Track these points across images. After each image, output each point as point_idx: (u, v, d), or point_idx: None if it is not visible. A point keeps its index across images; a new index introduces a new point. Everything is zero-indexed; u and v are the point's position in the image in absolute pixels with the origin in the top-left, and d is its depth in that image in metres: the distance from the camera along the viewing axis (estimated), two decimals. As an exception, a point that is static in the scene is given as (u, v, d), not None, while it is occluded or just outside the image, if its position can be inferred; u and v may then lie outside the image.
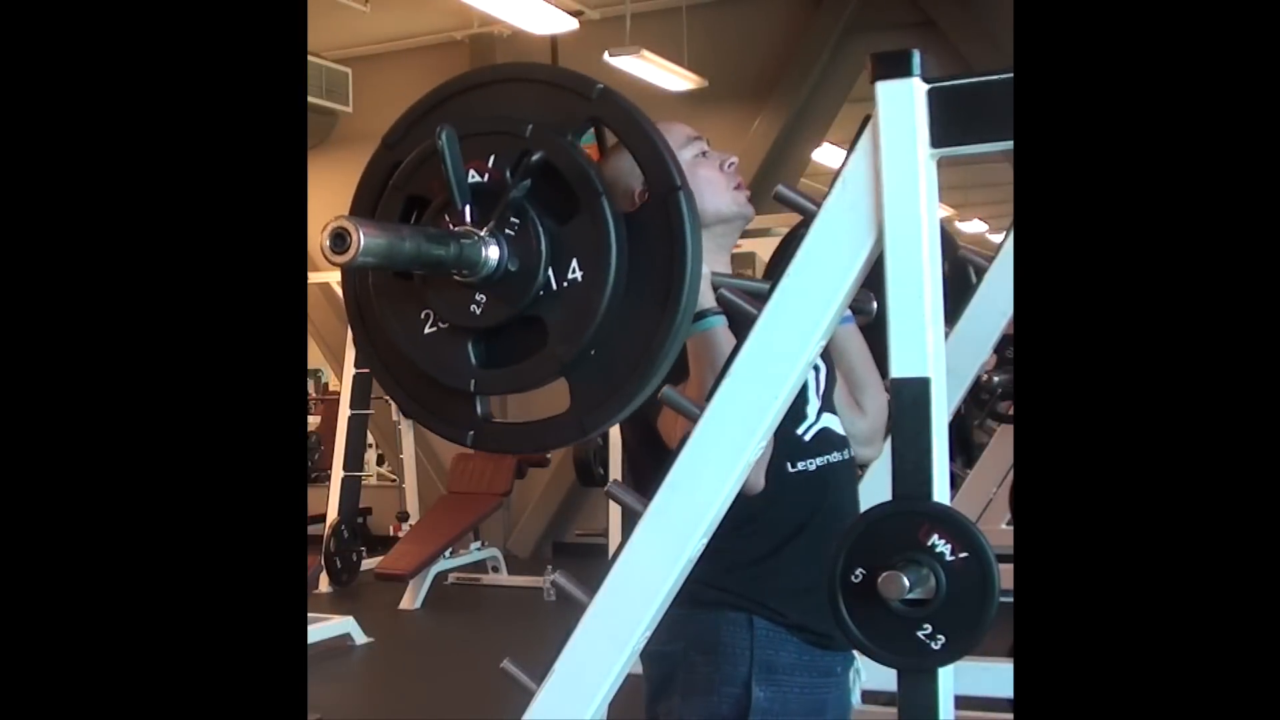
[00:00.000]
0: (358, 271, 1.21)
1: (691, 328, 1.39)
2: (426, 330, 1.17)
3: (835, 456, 1.67)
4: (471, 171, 1.13)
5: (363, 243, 0.99)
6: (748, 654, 1.58)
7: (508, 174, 1.12)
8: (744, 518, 1.44)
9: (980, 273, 2.39)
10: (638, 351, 1.13)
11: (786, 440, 1.56)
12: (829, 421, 1.68)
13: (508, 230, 1.12)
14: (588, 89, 1.14)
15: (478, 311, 1.14)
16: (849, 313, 1.72)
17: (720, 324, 1.43)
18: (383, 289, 1.19)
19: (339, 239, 0.98)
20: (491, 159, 1.13)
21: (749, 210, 1.68)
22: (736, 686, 1.57)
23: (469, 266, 1.11)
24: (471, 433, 1.19)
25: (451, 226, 1.13)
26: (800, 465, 1.63)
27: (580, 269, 1.12)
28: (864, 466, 1.97)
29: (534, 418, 1.21)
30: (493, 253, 1.11)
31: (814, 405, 1.66)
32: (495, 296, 1.13)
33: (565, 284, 1.12)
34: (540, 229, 1.12)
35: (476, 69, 1.24)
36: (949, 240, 2.55)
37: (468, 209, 1.12)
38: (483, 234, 1.11)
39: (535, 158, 1.12)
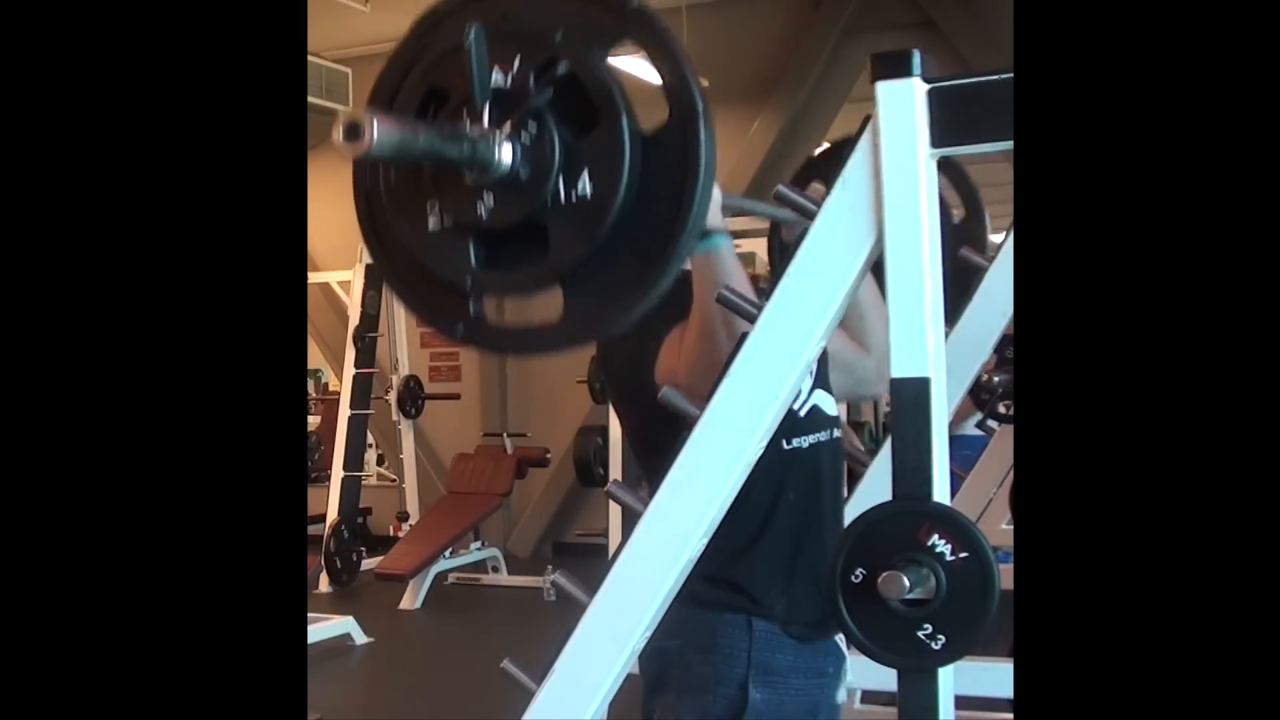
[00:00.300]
0: (369, 164, 1.21)
1: (696, 247, 1.40)
2: (430, 224, 1.17)
3: (824, 435, 1.68)
4: (496, 71, 1.12)
5: (376, 136, 0.98)
6: (745, 655, 1.58)
7: (531, 80, 1.12)
8: (736, 498, 1.44)
9: (981, 271, 2.39)
10: (635, 273, 1.13)
11: (784, 416, 1.57)
12: (819, 399, 1.68)
13: (523, 136, 1.12)
14: (623, 3, 1.12)
15: (483, 213, 1.14)
16: None
17: (725, 244, 1.43)
18: (391, 180, 1.19)
19: (353, 130, 0.98)
20: (517, 61, 1.12)
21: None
22: (732, 687, 1.58)
23: (480, 167, 1.10)
24: (461, 326, 1.19)
25: (468, 124, 1.12)
26: (795, 442, 1.63)
27: (591, 184, 1.11)
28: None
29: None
30: (506, 155, 1.11)
31: (807, 381, 1.66)
32: (502, 200, 1.13)
33: (574, 197, 1.12)
34: (556, 139, 1.11)
35: None
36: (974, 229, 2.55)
37: (486, 109, 1.11)
38: (498, 136, 1.11)
39: (561, 68, 1.11)
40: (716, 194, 1.43)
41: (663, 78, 1.11)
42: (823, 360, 1.70)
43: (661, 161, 1.11)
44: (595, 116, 1.10)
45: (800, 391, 1.65)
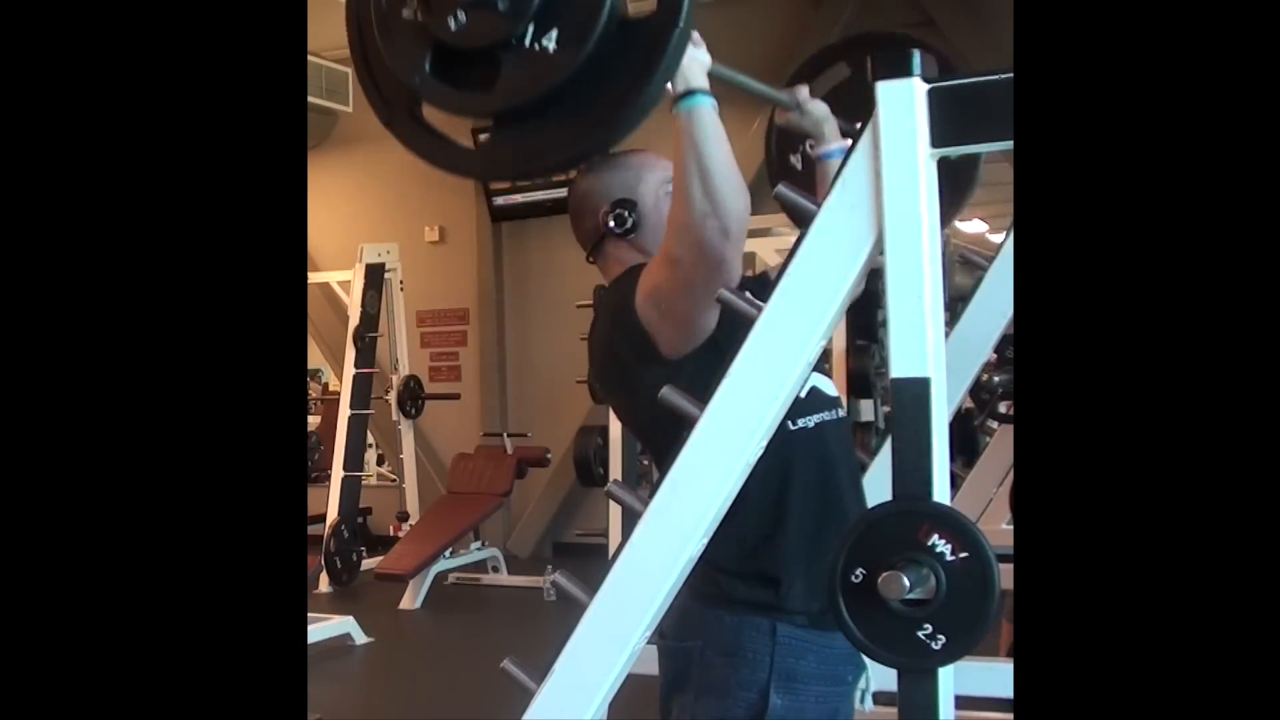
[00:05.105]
0: None
1: (678, 107, 1.40)
2: (404, 14, 1.20)
3: (828, 415, 1.68)
4: None
5: None
6: (768, 661, 1.57)
7: None
8: (757, 481, 1.44)
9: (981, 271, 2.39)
10: (565, 138, 1.17)
11: None
12: (818, 381, 1.69)
13: None
14: None
15: (451, 26, 1.16)
16: (845, 145, 1.76)
17: (708, 104, 1.42)
18: None
19: None
20: None
21: None
22: (753, 692, 1.57)
23: None
24: (391, 113, 1.25)
25: None
26: (801, 422, 1.63)
27: (557, 43, 1.14)
28: None
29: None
30: None
31: None
32: (473, 22, 1.15)
33: (537, 47, 1.14)
34: None
35: None
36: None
37: None
38: None
39: None
40: (704, 57, 1.44)
41: None
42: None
43: (630, 47, 1.13)
44: None
45: None
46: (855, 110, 1.95)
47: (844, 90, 2.23)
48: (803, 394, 1.65)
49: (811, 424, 1.65)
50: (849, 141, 1.82)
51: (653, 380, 1.54)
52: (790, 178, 2.36)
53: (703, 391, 1.19)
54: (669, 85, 1.36)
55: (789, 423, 1.60)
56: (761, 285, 1.54)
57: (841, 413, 1.73)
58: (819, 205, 1.14)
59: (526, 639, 4.72)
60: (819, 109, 1.85)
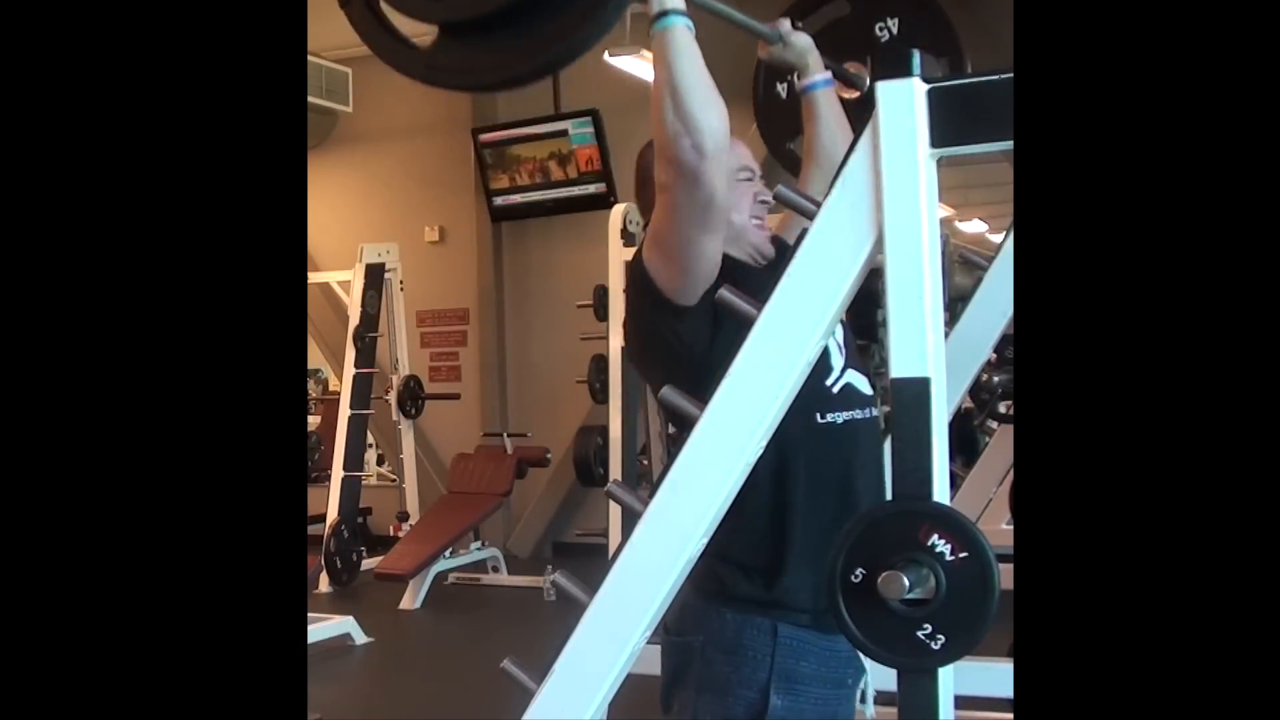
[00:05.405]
0: None
1: (652, 28, 1.42)
2: None
3: (859, 413, 1.67)
4: None
5: None
6: (768, 660, 1.57)
7: None
8: (774, 470, 1.43)
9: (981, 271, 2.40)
10: (499, 65, 1.21)
11: (815, 392, 1.55)
12: (853, 378, 1.67)
13: None
14: None
15: None
16: (828, 76, 1.82)
17: (681, 24, 1.43)
18: None
19: None
20: None
21: (766, 249, 1.70)
22: (753, 691, 1.57)
23: None
24: (350, 9, 1.33)
25: None
26: (829, 417, 1.62)
27: None
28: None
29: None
30: None
31: (838, 360, 1.66)
32: None
33: None
34: None
35: None
36: None
37: None
38: None
39: None
40: None
41: None
42: (848, 340, 1.70)
43: None
44: None
45: (832, 369, 1.64)
46: (850, 47, 1.97)
47: (839, 27, 2.24)
48: (835, 389, 1.65)
49: (840, 420, 1.64)
50: (830, 74, 1.86)
51: (671, 331, 1.54)
52: (776, 109, 2.38)
53: (723, 343, 1.19)
54: (648, 6, 1.39)
55: (816, 415, 1.60)
56: (780, 251, 1.54)
57: (876, 412, 1.71)
58: (819, 205, 1.14)
59: (526, 639, 4.72)
60: (801, 41, 1.86)
